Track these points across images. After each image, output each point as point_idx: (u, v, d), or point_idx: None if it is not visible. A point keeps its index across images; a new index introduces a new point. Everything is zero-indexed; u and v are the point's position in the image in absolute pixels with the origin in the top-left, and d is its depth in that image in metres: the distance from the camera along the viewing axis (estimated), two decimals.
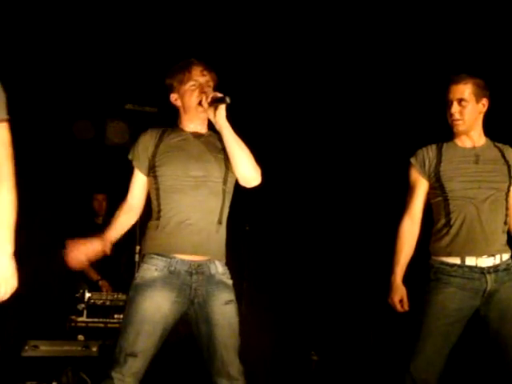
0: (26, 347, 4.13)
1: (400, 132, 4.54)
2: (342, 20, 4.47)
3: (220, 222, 2.85)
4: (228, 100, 2.79)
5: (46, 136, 5.06)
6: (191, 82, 2.89)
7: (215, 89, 2.91)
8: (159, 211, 2.82)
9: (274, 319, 4.83)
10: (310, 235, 4.83)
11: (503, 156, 3.19)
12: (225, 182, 2.86)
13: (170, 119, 3.01)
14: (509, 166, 3.17)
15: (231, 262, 2.96)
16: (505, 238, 3.16)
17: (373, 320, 4.62)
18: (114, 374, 2.68)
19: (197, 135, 2.92)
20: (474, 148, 3.19)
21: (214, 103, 2.83)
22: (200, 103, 2.86)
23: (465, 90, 3.13)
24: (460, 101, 3.13)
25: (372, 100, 4.77)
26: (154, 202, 2.87)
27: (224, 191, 2.86)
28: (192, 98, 2.89)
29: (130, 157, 2.93)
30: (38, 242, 4.85)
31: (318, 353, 4.71)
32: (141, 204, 2.94)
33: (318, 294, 4.80)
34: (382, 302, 3.30)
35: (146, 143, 2.89)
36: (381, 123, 4.76)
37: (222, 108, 2.83)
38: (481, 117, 3.20)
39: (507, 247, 3.17)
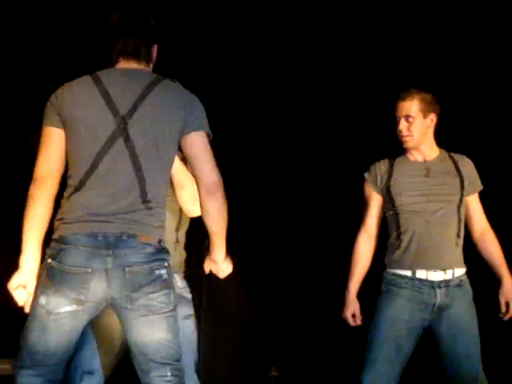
0: None
1: (361, 146, 4.55)
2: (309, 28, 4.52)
3: (177, 241, 2.85)
4: None
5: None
6: None
7: None
8: None
9: (233, 334, 4.81)
10: (270, 251, 4.82)
11: (456, 167, 3.23)
12: None
13: None
14: (461, 177, 3.20)
15: (190, 276, 2.95)
16: (458, 251, 3.18)
17: (332, 335, 4.63)
18: None
19: None
20: (424, 162, 3.23)
21: None
22: None
23: (411, 107, 3.18)
24: (407, 117, 3.18)
25: (335, 113, 4.79)
26: None
27: (181, 211, 2.82)
28: None
29: None
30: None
31: (277, 368, 4.70)
32: None
33: (278, 309, 4.79)
34: (341, 316, 3.31)
35: None
36: (342, 137, 4.78)
37: None
38: (430, 131, 3.25)
39: (461, 262, 3.18)
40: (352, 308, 3.24)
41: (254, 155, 4.84)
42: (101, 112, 2.33)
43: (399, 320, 3.08)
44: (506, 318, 3.20)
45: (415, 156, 3.26)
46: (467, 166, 3.27)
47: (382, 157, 3.31)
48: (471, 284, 3.21)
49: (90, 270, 2.24)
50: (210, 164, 2.41)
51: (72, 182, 2.34)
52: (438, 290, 3.10)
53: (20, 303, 2.35)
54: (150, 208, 2.32)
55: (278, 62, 4.67)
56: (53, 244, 2.32)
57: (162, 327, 2.30)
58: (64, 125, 2.35)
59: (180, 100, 2.40)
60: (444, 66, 4.34)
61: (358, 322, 3.24)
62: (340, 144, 4.74)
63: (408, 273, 3.14)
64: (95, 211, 2.28)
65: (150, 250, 2.30)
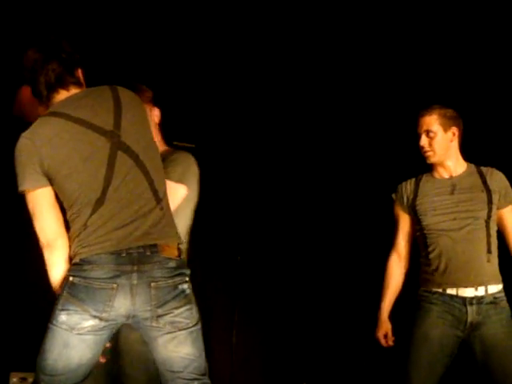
0: (14, 379, 4.07)
1: (393, 165, 4.54)
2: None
3: None
4: None
5: None
6: None
7: (153, 100, 2.95)
8: None
9: (264, 350, 4.80)
10: (302, 266, 4.82)
11: (484, 182, 3.18)
12: None
13: (208, 155, 3.03)
14: (489, 192, 3.15)
15: (223, 293, 2.96)
16: (491, 267, 3.12)
17: (365, 352, 4.60)
18: None
19: None
20: (450, 178, 3.21)
21: None
22: None
23: (431, 122, 3.19)
24: (428, 132, 3.19)
25: (369, 134, 4.77)
26: None
27: None
28: None
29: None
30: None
31: None
32: None
33: (310, 325, 4.77)
34: (374, 334, 3.30)
35: None
36: (375, 157, 4.76)
37: None
38: (454, 145, 3.23)
39: (496, 279, 3.12)
40: (384, 329, 3.24)
41: (280, 173, 4.83)
42: (89, 139, 2.30)
43: (431, 337, 3.05)
44: None
45: (441, 173, 3.24)
46: (497, 179, 3.21)
47: (417, 175, 3.31)
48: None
49: (115, 285, 2.24)
50: None
51: (83, 211, 2.29)
52: (469, 307, 3.05)
53: None
54: (162, 208, 2.35)
55: (302, 83, 4.67)
56: (74, 267, 2.29)
57: (188, 342, 2.31)
58: (54, 175, 2.30)
59: (138, 101, 2.45)
60: (472, 82, 4.31)
61: (390, 342, 3.24)
62: (373, 163, 4.71)
63: (439, 289, 3.11)
64: (114, 226, 2.27)
65: (172, 264, 2.30)
